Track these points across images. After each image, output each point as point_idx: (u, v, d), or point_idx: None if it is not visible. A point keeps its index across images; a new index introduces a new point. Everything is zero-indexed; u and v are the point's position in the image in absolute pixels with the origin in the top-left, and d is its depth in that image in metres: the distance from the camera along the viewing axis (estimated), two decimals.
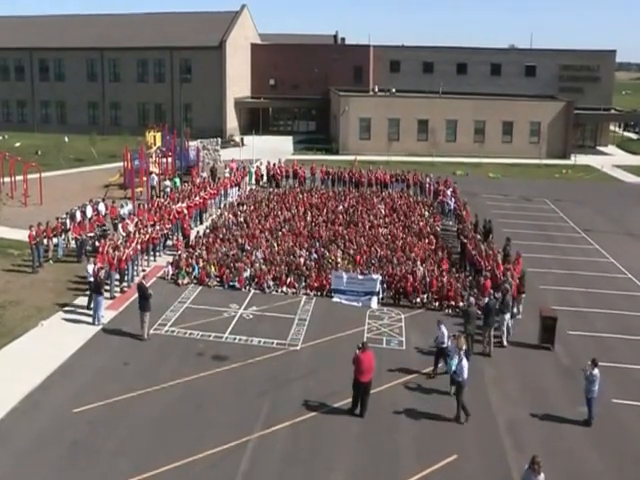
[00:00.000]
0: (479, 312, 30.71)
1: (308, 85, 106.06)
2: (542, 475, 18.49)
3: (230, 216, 49.17)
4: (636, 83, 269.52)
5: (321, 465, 21.79)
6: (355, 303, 35.77)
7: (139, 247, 39.49)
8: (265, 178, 65.76)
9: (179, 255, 40.91)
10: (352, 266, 38.84)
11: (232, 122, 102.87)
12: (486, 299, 31.39)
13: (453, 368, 26.21)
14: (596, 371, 24.28)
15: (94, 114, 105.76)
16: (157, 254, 42.64)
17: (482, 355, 29.86)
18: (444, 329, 27.51)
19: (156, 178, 60.11)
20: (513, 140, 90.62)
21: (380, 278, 36.29)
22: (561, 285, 39.44)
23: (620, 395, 26.62)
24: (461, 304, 34.26)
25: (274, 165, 65.76)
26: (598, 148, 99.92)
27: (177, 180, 61.46)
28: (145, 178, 57.65)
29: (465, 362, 24.23)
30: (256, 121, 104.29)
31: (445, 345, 27.18)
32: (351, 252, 41.04)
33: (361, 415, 24.63)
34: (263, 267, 38.55)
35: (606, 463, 22.35)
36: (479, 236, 42.26)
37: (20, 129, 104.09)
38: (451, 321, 32.88)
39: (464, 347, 26.44)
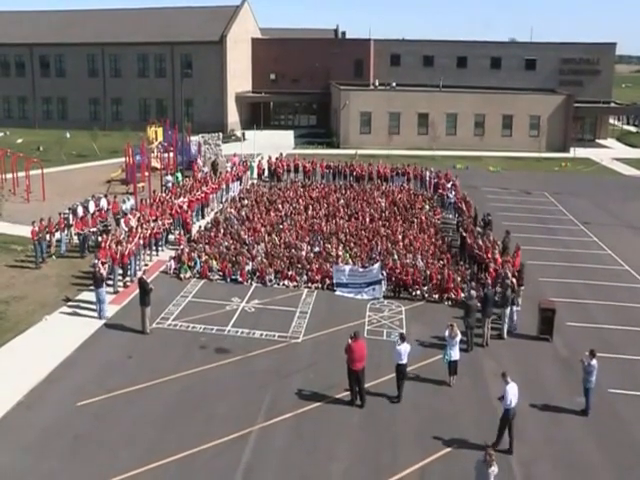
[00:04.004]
0: (479, 305, 30.96)
1: (309, 79, 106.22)
2: (494, 468, 18.58)
3: (232, 210, 49.43)
4: (636, 76, 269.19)
5: (322, 455, 22.08)
6: (359, 296, 36.05)
7: (141, 242, 39.78)
8: (267, 172, 65.93)
9: (181, 249, 41.18)
10: (353, 259, 39.11)
11: (233, 117, 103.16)
12: (486, 290, 31.68)
13: (449, 358, 26.58)
14: (594, 362, 24.54)
15: (95, 110, 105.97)
16: (159, 249, 42.93)
17: (479, 346, 30.17)
18: (401, 347, 25.56)
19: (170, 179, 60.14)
20: (513, 133, 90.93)
21: (380, 265, 36.69)
22: (560, 277, 39.69)
23: (616, 385, 26.93)
24: (462, 295, 34.53)
25: (276, 159, 65.99)
26: (597, 141, 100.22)
27: (179, 175, 61.69)
28: (147, 173, 57.77)
29: (512, 386, 22.59)
30: (257, 116, 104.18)
31: (404, 362, 25.63)
32: (352, 245, 41.31)
33: (361, 406, 24.98)
34: (265, 261, 38.85)
35: (602, 451, 22.67)
36: (478, 229, 42.51)
37: (21, 125, 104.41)
38: (451, 313, 33.23)
39: (459, 337, 26.75)
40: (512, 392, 22.35)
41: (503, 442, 22.45)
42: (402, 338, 25.90)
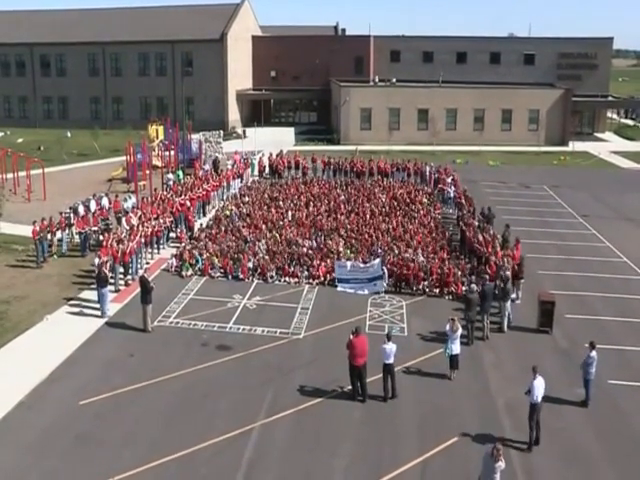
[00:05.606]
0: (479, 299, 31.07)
1: (309, 76, 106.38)
2: (501, 463, 18.64)
3: (233, 208, 49.55)
4: (633, 70, 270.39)
5: (324, 451, 22.18)
6: (360, 291, 36.19)
7: (143, 240, 39.90)
8: (267, 170, 66.06)
9: (183, 247, 41.33)
10: (354, 255, 39.25)
11: (234, 114, 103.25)
12: (484, 285, 31.76)
13: (450, 352, 26.70)
14: (593, 353, 24.67)
15: (96, 109, 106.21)
16: (161, 247, 43.05)
17: (480, 339, 30.32)
18: (387, 346, 25.49)
19: (171, 177, 60.27)
20: (512, 128, 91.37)
21: (381, 260, 36.85)
22: (559, 270, 39.87)
23: (616, 376, 27.11)
24: (464, 288, 34.63)
25: (277, 157, 66.08)
26: (595, 135, 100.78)
27: (180, 173, 61.87)
28: (148, 172, 57.84)
29: (539, 380, 22.81)
30: (258, 113, 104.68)
31: (390, 362, 25.51)
32: (353, 241, 41.44)
33: (362, 400, 25.10)
34: (266, 257, 38.98)
35: (602, 442, 22.83)
36: (477, 223, 42.61)
37: (22, 125, 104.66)
38: (451, 307, 33.37)
39: (460, 331, 26.89)
40: (539, 387, 22.52)
41: (525, 435, 22.75)
42: (388, 337, 25.92)
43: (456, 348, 26.80)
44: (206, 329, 31.45)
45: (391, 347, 25.38)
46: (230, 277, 38.12)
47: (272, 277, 37.75)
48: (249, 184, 60.63)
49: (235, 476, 20.85)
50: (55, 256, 41.72)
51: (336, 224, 44.82)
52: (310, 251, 39.86)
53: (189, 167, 65.92)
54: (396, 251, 39.06)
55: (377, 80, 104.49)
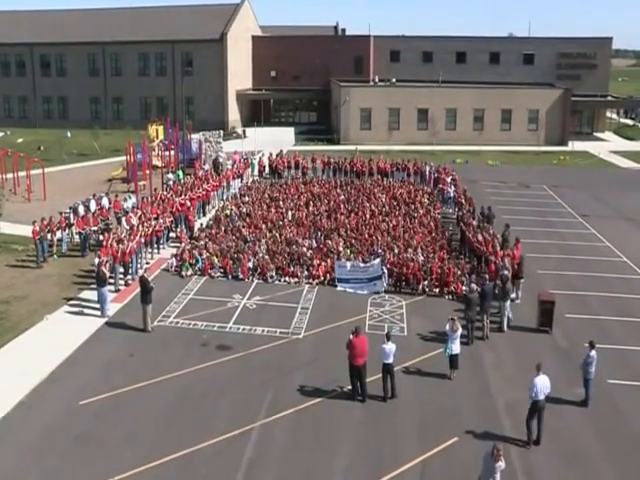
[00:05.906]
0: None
1: (309, 76, 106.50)
2: (501, 463, 18.63)
3: (233, 208, 49.55)
4: (632, 70, 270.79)
5: (324, 451, 22.15)
6: (360, 291, 36.19)
7: (143, 240, 39.89)
8: (267, 169, 66.05)
9: (183, 247, 41.32)
10: (354, 255, 39.25)
11: (234, 114, 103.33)
12: (484, 285, 31.74)
13: (450, 352, 26.69)
14: (593, 353, 24.67)
15: (96, 109, 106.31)
16: (161, 247, 43.03)
17: (480, 339, 30.32)
18: (387, 346, 25.45)
19: (171, 177, 60.22)
20: (512, 128, 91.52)
21: (381, 260, 36.84)
22: (559, 269, 39.89)
23: (615, 376, 27.11)
24: (463, 288, 34.62)
25: (276, 156, 66.07)
26: (595, 134, 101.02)
27: (180, 173, 61.86)
28: (148, 171, 57.80)
29: (540, 378, 22.67)
30: (258, 113, 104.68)
31: (390, 361, 25.48)
32: (353, 241, 41.43)
33: (362, 400, 25.08)
34: (266, 257, 38.97)
35: (602, 442, 22.81)
36: (475, 222, 42.62)
37: (22, 125, 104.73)
38: (451, 306, 33.34)
39: (459, 331, 26.89)
40: (540, 384, 22.45)
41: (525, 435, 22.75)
42: (387, 337, 25.89)
43: (456, 348, 26.78)
44: (206, 329, 31.42)
45: (391, 347, 25.34)
46: (230, 277, 38.11)
47: (272, 277, 37.74)
48: (249, 184, 60.63)
49: (235, 476, 20.82)
50: (55, 256, 41.70)
51: (336, 224, 44.80)
52: (310, 251, 39.88)
53: (189, 167, 65.91)
54: (396, 251, 39.06)
55: (377, 80, 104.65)
